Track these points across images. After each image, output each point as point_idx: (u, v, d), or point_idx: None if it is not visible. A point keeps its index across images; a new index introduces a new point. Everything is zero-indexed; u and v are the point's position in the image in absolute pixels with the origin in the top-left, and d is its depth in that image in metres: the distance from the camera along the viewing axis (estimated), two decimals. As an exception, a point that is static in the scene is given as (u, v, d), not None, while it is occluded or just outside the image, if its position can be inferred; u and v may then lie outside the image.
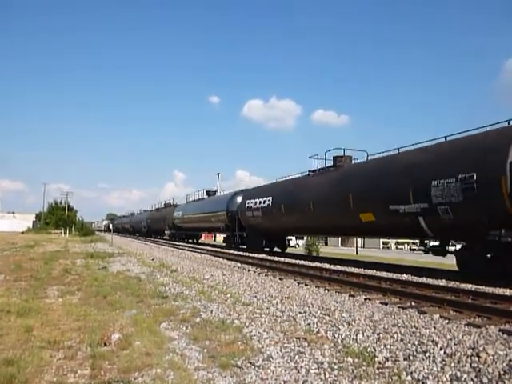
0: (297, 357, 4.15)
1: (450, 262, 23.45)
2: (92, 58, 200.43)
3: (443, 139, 11.38)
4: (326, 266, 13.39)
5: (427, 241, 20.71)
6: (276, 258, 16.42)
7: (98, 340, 4.53)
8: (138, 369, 3.72)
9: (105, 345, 4.43)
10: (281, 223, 19.21)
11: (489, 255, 9.62)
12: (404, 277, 10.47)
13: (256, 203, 21.06)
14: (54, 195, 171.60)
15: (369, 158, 15.44)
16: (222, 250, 22.33)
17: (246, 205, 22.12)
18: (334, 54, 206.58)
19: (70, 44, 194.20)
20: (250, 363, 3.95)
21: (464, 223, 9.99)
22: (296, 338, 4.80)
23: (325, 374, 3.69)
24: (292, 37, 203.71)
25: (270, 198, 19.78)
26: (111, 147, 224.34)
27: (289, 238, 33.63)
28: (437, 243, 12.32)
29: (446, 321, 5.61)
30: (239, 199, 24.16)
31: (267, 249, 21.98)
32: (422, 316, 5.91)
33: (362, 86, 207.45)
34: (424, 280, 9.68)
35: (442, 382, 3.49)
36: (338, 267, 12.83)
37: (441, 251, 11.62)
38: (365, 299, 7.42)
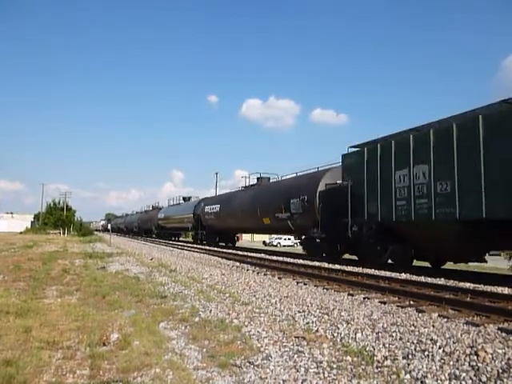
0: (296, 356, 4.16)
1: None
2: (91, 58, 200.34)
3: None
4: (325, 264, 13.40)
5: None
6: (275, 258, 16.43)
7: (96, 340, 4.53)
8: (137, 369, 3.72)
9: (104, 345, 4.43)
10: (226, 224, 26.02)
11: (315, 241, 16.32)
12: (403, 276, 10.48)
13: (211, 209, 27.76)
14: (52, 195, 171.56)
15: (271, 180, 23.58)
16: (221, 250, 22.38)
17: (205, 210, 28.71)
18: (333, 53, 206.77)
19: (70, 43, 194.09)
20: (249, 362, 3.95)
21: (304, 225, 16.84)
22: (295, 337, 4.80)
23: (324, 373, 3.70)
24: (291, 36, 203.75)
25: (219, 205, 26.61)
26: (110, 147, 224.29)
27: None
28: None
29: (445, 319, 5.62)
30: (202, 205, 30.03)
31: (223, 243, 28.74)
32: (420, 315, 5.92)
33: (360, 86, 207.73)
34: (422, 279, 9.69)
35: (440, 380, 3.49)
36: (337, 266, 12.84)
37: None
38: (364, 298, 7.43)
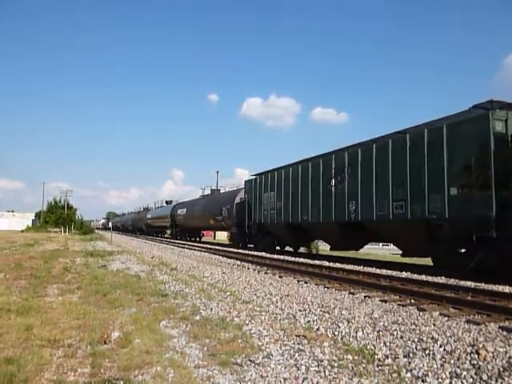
0: (297, 354, 4.16)
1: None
2: (91, 57, 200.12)
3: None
4: (326, 263, 13.40)
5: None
6: (276, 256, 16.44)
7: (97, 338, 4.53)
8: (138, 367, 3.72)
9: (105, 343, 4.43)
10: (190, 224, 35.64)
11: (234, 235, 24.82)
12: (404, 274, 10.49)
13: (181, 212, 37.15)
14: (53, 194, 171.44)
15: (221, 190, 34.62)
16: (222, 248, 22.41)
17: (178, 212, 38.26)
18: (333, 52, 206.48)
19: (70, 43, 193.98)
20: (250, 361, 3.95)
21: (229, 224, 25.56)
22: (296, 336, 4.81)
23: (325, 371, 3.70)
24: (291, 35, 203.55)
25: (185, 209, 36.28)
26: (110, 146, 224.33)
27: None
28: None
29: (446, 318, 5.62)
30: (176, 208, 39.50)
31: (192, 238, 38.21)
32: (421, 313, 5.92)
33: (361, 84, 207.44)
34: (423, 277, 9.69)
35: (441, 379, 3.49)
36: (338, 265, 12.85)
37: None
38: (364, 297, 7.43)
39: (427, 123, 11.41)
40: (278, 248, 20.86)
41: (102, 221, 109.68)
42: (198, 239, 38.53)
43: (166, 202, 48.64)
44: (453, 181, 10.06)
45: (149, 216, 50.33)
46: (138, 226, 56.03)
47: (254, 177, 22.26)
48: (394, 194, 11.91)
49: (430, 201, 10.70)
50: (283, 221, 18.14)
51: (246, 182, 23.04)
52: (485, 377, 3.46)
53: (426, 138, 10.87)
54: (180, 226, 38.34)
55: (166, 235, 46.59)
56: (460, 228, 10.19)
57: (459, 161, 9.99)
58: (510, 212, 8.89)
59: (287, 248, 21.61)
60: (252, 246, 22.21)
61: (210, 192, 37.65)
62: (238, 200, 24.55)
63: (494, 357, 3.82)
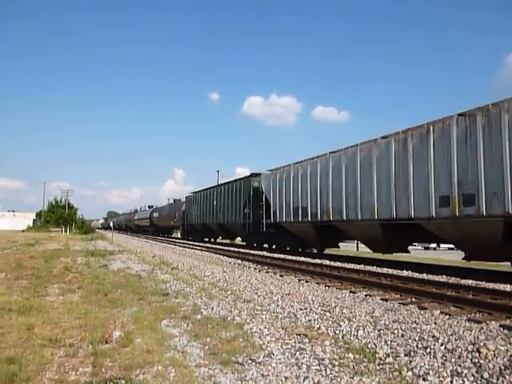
0: (298, 353, 4.16)
1: (449, 257, 23.43)
2: (91, 56, 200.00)
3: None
4: (327, 262, 13.40)
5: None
6: (276, 255, 16.44)
7: (99, 338, 4.53)
8: (139, 366, 3.72)
9: (106, 342, 4.43)
10: (161, 224, 46.57)
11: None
12: (404, 273, 10.49)
13: (156, 214, 48.79)
14: (53, 193, 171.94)
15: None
16: (222, 248, 22.42)
17: (153, 215, 50.00)
18: (334, 50, 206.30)
19: (70, 43, 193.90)
20: (251, 360, 3.96)
21: (180, 224, 39.13)
22: (297, 335, 4.81)
23: (326, 370, 3.70)
24: (292, 34, 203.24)
25: (158, 212, 48.32)
26: (111, 145, 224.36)
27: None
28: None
29: (447, 316, 5.62)
30: (152, 211, 52.18)
31: (166, 235, 47.68)
32: (422, 312, 5.92)
33: (362, 83, 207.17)
34: (424, 276, 9.69)
35: (442, 377, 3.49)
36: (339, 264, 12.85)
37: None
38: (365, 295, 7.43)
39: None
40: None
41: (101, 221, 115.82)
42: (167, 235, 48.12)
43: (149, 207, 59.42)
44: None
45: (136, 217, 61.78)
46: (129, 225, 66.94)
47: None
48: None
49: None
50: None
51: (186, 197, 33.16)
52: (486, 375, 3.46)
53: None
54: (155, 225, 49.61)
55: (148, 233, 53.47)
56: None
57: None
58: None
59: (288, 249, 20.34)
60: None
61: (173, 201, 48.02)
62: (183, 208, 37.04)
63: (495, 355, 3.82)
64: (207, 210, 29.57)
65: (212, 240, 32.13)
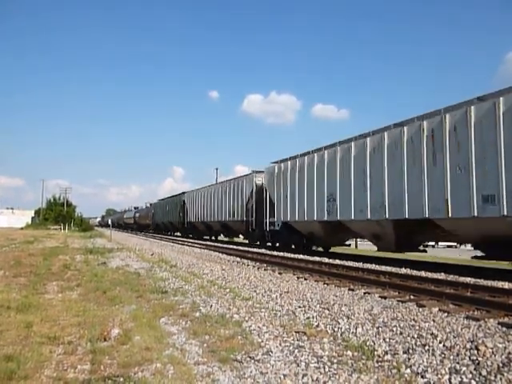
0: (296, 351, 4.16)
1: (447, 255, 23.46)
2: (91, 55, 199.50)
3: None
4: (325, 260, 13.41)
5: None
6: (275, 253, 16.44)
7: (97, 335, 4.53)
8: (137, 363, 3.72)
9: (105, 340, 4.43)
10: (141, 222, 56.13)
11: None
12: (403, 271, 10.50)
13: (137, 214, 60.16)
14: (52, 191, 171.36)
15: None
16: (221, 245, 22.42)
17: (136, 215, 60.94)
18: (333, 48, 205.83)
19: (70, 41, 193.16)
20: (250, 357, 3.96)
21: (150, 223, 52.01)
22: (295, 332, 4.81)
23: (324, 367, 3.70)
24: (292, 32, 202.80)
25: (139, 213, 59.40)
26: (110, 143, 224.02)
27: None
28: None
29: (445, 314, 5.63)
30: (135, 211, 63.06)
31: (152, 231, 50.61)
32: (421, 309, 5.93)
33: (361, 81, 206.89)
34: (423, 274, 9.70)
35: (441, 374, 3.50)
36: (337, 261, 12.85)
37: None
38: (364, 293, 7.44)
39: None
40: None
41: (98, 219, 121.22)
42: (145, 232, 53.36)
43: (135, 208, 69.34)
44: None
45: (125, 216, 72.03)
46: (120, 223, 74.58)
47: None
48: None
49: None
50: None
51: (151, 204, 39.77)
52: (484, 372, 3.47)
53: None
54: (137, 223, 59.88)
55: (134, 230, 61.88)
56: None
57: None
58: None
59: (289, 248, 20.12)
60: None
61: (149, 204, 56.86)
62: (152, 210, 50.09)
63: (493, 352, 3.83)
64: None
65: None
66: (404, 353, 4.04)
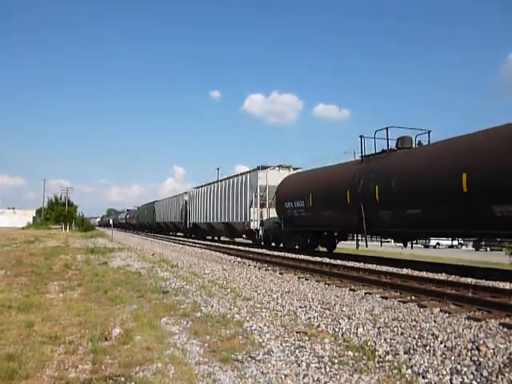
0: (297, 351, 4.16)
1: (448, 255, 23.43)
2: (92, 54, 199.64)
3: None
4: (326, 260, 13.40)
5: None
6: (276, 253, 16.44)
7: (98, 335, 4.54)
8: (138, 363, 3.72)
9: (106, 340, 4.44)
10: (131, 222, 65.41)
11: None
12: (404, 271, 10.49)
13: (128, 215, 69.85)
14: (54, 191, 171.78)
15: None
16: (222, 245, 22.41)
17: (127, 216, 71.01)
18: (335, 47, 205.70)
19: (71, 39, 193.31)
20: (251, 357, 3.96)
21: (136, 223, 62.53)
22: (296, 333, 4.81)
23: (325, 367, 3.70)
24: (293, 31, 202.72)
25: (129, 214, 69.22)
26: (111, 143, 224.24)
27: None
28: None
29: (446, 314, 5.62)
30: (127, 213, 73.48)
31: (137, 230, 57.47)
32: (422, 310, 5.93)
33: (363, 81, 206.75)
34: (424, 274, 9.69)
35: (442, 375, 3.49)
36: (339, 261, 12.84)
37: None
38: (365, 293, 7.43)
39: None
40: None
41: (98, 219, 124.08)
42: (135, 231, 58.39)
43: (127, 210, 77.25)
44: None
45: (119, 217, 79.66)
46: (115, 222, 78.37)
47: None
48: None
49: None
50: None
51: (139, 207, 39.74)
52: (485, 373, 3.46)
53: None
54: (128, 223, 68.49)
55: (130, 229, 66.91)
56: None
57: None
58: None
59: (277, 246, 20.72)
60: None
61: (137, 208, 64.32)
62: (137, 213, 59.58)
63: (494, 353, 3.83)
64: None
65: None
66: (405, 353, 4.04)
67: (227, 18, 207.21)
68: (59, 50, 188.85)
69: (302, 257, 14.63)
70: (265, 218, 20.42)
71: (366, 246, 13.99)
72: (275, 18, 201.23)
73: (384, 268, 11.02)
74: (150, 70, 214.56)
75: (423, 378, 3.47)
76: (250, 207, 21.46)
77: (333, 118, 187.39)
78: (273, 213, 19.71)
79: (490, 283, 8.20)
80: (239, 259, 14.52)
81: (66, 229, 52.80)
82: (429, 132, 12.79)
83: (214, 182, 30.28)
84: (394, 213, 11.81)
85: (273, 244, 20.56)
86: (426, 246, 37.30)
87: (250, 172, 23.24)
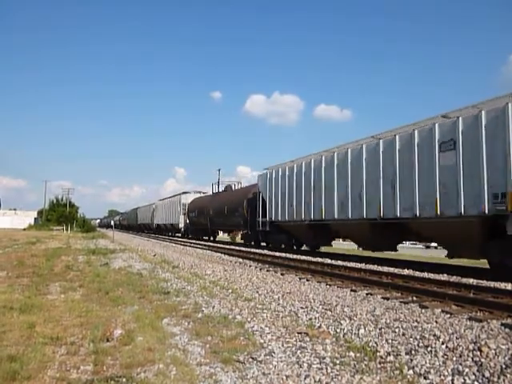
0: (299, 352, 4.16)
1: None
2: (93, 54, 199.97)
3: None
4: (328, 261, 13.40)
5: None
6: (277, 254, 16.44)
7: (100, 336, 4.54)
8: (140, 364, 3.73)
9: (107, 340, 4.44)
10: (124, 223, 77.69)
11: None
12: (405, 271, 10.48)
13: (122, 217, 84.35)
14: (55, 192, 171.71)
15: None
16: (223, 246, 22.43)
17: (120, 217, 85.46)
18: (336, 48, 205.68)
19: (71, 39, 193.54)
20: (252, 358, 3.96)
21: (126, 223, 77.85)
22: (298, 333, 4.81)
23: (327, 368, 3.70)
24: (295, 31, 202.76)
25: (122, 217, 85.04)
26: (112, 144, 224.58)
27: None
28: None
29: (448, 315, 5.62)
30: (121, 215, 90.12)
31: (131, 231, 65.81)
32: (423, 310, 5.92)
33: (364, 81, 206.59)
34: (425, 275, 9.68)
35: (443, 376, 3.49)
36: (340, 262, 12.83)
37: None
38: (366, 294, 7.43)
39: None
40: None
41: (98, 220, 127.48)
42: (135, 232, 61.45)
43: (121, 213, 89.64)
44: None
45: (115, 219, 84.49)
46: (112, 224, 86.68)
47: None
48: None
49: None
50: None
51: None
52: (487, 374, 3.46)
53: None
54: (121, 224, 78.20)
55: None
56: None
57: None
58: None
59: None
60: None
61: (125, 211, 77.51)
62: (127, 216, 74.32)
63: (496, 354, 3.82)
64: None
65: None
66: (406, 354, 4.03)
67: (228, 18, 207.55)
68: (59, 50, 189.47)
69: (303, 257, 14.62)
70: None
71: (214, 239, 32.68)
72: (276, 18, 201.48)
73: (385, 268, 11.01)
74: (152, 71, 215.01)
75: (425, 378, 3.47)
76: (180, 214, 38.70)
77: (334, 118, 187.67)
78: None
79: (492, 284, 8.19)
80: (240, 260, 14.52)
81: (67, 230, 52.84)
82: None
83: (164, 199, 50.04)
84: (217, 219, 28.68)
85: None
86: (427, 247, 37.28)
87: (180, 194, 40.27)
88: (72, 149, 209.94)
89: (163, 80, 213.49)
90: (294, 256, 15.35)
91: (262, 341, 4.52)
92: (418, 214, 11.09)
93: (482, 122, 9.49)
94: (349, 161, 14.13)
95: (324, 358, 3.98)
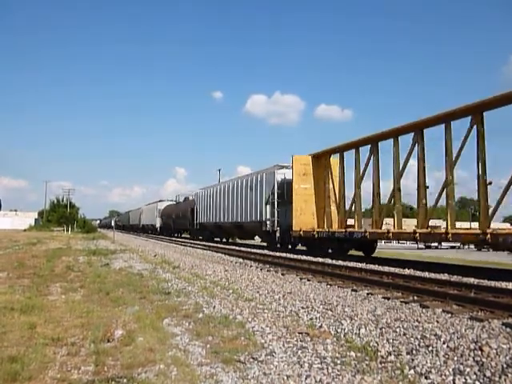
0: (299, 352, 4.16)
1: (450, 255, 23.39)
2: (93, 54, 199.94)
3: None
4: (328, 260, 13.40)
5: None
6: (278, 254, 16.44)
7: (101, 336, 4.54)
8: (141, 365, 3.72)
9: (108, 341, 4.44)
10: (119, 223, 77.70)
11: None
12: (406, 271, 10.48)
13: (118, 219, 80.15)
14: (55, 193, 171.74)
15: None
16: (224, 246, 22.43)
17: (117, 219, 75.79)
18: (336, 48, 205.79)
19: (71, 39, 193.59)
20: (253, 358, 3.95)
21: (121, 225, 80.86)
22: (299, 333, 4.81)
23: (327, 368, 3.69)
24: (296, 31, 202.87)
25: (119, 219, 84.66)
26: (113, 144, 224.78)
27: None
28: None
29: (449, 315, 5.61)
30: (117, 217, 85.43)
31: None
32: (424, 310, 5.92)
33: (365, 81, 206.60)
34: (426, 274, 9.68)
35: (444, 375, 3.49)
36: (340, 262, 12.84)
37: None
38: (367, 294, 7.42)
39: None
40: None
41: (97, 221, 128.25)
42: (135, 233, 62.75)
43: (118, 214, 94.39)
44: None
45: (116, 219, 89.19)
46: (112, 224, 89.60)
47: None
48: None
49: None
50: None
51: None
52: (488, 373, 3.46)
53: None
54: (117, 225, 72.33)
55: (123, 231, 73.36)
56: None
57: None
58: None
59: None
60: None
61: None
62: (121, 218, 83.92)
63: (497, 353, 3.82)
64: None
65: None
66: (407, 354, 4.03)
67: (228, 18, 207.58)
68: (59, 50, 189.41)
69: (303, 257, 14.63)
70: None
71: (180, 235, 41.41)
72: (277, 18, 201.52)
73: (386, 268, 11.01)
74: (152, 70, 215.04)
75: (426, 378, 3.47)
76: (157, 217, 50.48)
77: (335, 118, 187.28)
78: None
79: (493, 283, 8.19)
80: (241, 260, 14.53)
81: (68, 231, 52.86)
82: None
83: (148, 204, 57.19)
84: (177, 221, 40.10)
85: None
86: (428, 247, 37.26)
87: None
88: (72, 149, 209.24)
89: (163, 80, 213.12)
90: (295, 256, 15.36)
91: (262, 341, 4.52)
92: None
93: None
94: (225, 191, 26.82)
95: (325, 357, 3.98)
